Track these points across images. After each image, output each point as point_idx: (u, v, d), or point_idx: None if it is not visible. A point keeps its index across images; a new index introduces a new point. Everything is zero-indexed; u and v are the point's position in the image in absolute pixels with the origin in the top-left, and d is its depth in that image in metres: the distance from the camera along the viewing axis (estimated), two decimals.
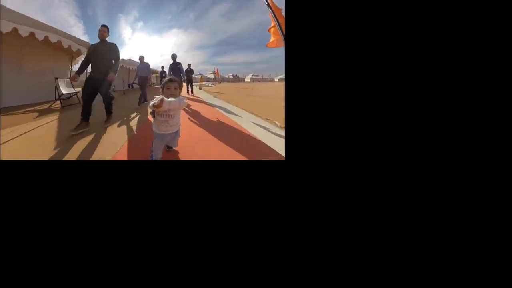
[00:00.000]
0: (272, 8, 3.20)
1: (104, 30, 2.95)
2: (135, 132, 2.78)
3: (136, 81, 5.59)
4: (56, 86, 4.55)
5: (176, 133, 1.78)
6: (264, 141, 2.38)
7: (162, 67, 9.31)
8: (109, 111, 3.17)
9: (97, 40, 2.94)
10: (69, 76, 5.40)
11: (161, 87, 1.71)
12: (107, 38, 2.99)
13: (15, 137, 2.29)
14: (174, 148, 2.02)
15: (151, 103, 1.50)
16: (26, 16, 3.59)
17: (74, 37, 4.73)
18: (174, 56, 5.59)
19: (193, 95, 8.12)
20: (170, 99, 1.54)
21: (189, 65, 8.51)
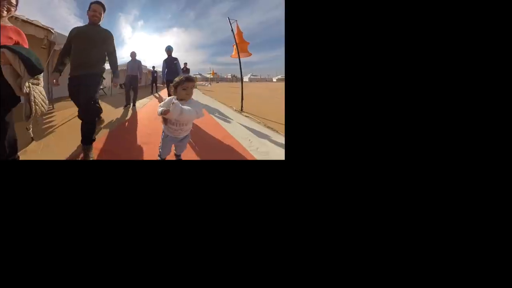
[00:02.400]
0: (236, 31, 4.90)
1: (96, 9, 1.88)
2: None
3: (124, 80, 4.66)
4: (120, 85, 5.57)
5: (186, 137, 1.58)
6: (217, 120, 3.72)
7: (153, 67, 8.72)
8: (87, 138, 1.80)
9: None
10: None
11: (174, 86, 1.41)
12: (100, 23, 1.95)
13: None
14: (181, 154, 1.74)
15: (160, 108, 1.29)
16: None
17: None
18: (169, 50, 4.18)
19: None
20: (184, 106, 1.27)
21: (185, 64, 7.67)
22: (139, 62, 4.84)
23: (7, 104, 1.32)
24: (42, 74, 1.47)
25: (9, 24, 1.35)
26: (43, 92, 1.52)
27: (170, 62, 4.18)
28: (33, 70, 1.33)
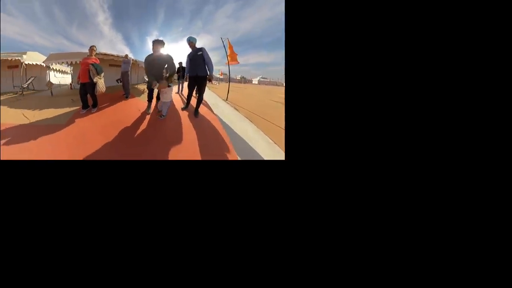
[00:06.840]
0: (228, 46, 6.23)
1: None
2: None
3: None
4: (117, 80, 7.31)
5: (167, 103, 3.25)
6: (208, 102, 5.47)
7: (180, 63, 8.94)
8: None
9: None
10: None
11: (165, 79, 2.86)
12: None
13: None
14: (164, 114, 3.28)
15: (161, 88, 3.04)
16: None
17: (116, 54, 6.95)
18: (190, 41, 3.56)
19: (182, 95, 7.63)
20: (167, 88, 3.08)
21: (180, 63, 7.73)
22: (129, 61, 5.59)
23: (92, 85, 3.54)
24: (103, 73, 3.73)
25: (93, 56, 3.63)
26: (103, 82, 3.78)
27: (194, 55, 3.51)
28: (97, 72, 3.53)
